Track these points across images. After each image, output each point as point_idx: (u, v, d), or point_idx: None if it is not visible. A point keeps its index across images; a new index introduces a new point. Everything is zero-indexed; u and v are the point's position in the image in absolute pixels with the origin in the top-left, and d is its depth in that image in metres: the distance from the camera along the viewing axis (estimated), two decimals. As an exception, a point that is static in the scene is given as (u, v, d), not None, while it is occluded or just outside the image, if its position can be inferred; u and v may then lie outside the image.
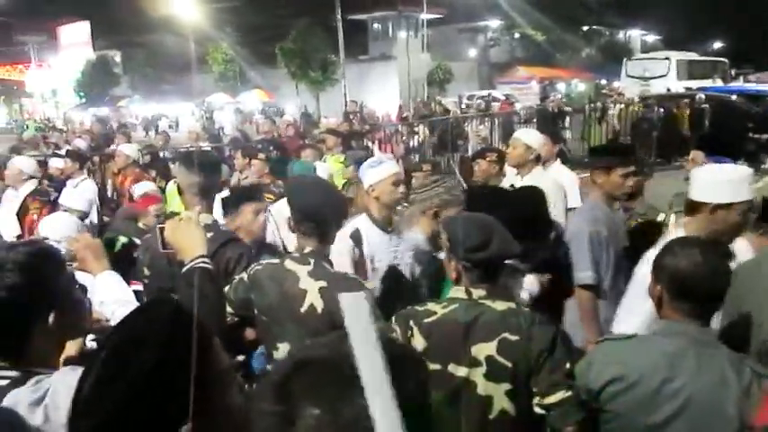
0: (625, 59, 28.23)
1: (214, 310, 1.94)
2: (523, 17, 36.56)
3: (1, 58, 45.17)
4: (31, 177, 5.88)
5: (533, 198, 3.48)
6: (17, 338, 1.53)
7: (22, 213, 5.54)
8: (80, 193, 5.61)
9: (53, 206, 5.33)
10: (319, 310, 2.38)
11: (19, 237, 4.99)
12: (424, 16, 33.95)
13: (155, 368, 1.05)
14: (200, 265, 2.02)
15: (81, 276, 2.23)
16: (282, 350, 2.46)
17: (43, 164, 7.59)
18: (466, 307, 2.17)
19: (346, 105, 30.03)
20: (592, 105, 15.20)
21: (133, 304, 2.16)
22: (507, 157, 4.83)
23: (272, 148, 8.77)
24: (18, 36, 46.20)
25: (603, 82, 33.55)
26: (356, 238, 3.09)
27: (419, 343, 2.17)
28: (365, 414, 0.68)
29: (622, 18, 43.41)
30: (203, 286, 1.91)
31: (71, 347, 1.77)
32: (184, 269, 2.04)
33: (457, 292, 2.25)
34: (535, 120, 14.53)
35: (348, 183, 5.94)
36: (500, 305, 2.17)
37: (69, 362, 1.66)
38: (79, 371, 1.41)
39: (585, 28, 41.33)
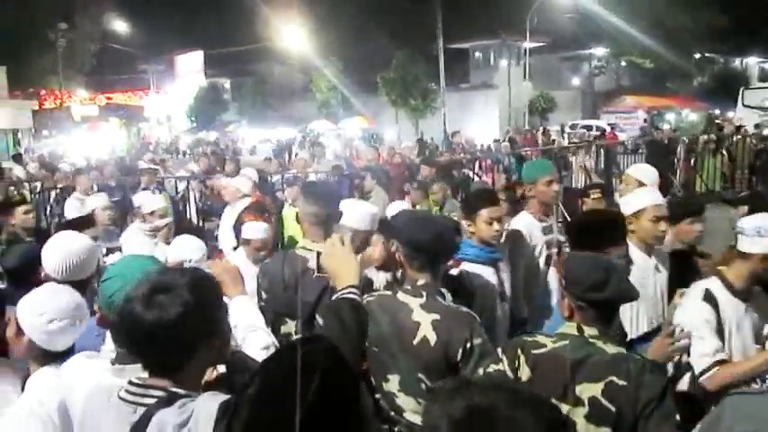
0: (742, 88, 26.81)
1: (354, 345, 1.91)
2: (630, 45, 35.47)
3: (124, 85, 48.56)
4: (245, 195, 6.28)
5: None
6: (180, 359, 1.59)
7: (236, 228, 5.89)
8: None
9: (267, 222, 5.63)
10: (432, 342, 2.39)
11: (235, 248, 5.28)
12: (527, 45, 33.59)
13: (309, 407, 1.03)
14: (348, 296, 2.00)
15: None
16: (393, 381, 2.47)
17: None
18: (576, 344, 2.14)
19: (445, 133, 30.16)
20: (705, 137, 14.44)
21: (263, 330, 2.18)
22: (620, 192, 4.78)
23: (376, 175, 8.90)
24: (140, 65, 49.52)
25: (717, 112, 31.91)
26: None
27: (524, 374, 2.17)
28: None
29: (738, 45, 41.25)
30: (347, 319, 1.91)
31: (208, 372, 1.81)
32: (333, 297, 2.04)
33: (569, 328, 2.21)
34: (642, 151, 13.98)
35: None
36: (611, 348, 2.12)
37: (208, 387, 1.70)
38: (220, 397, 1.46)
39: (698, 55, 39.54)
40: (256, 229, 4.43)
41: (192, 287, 1.58)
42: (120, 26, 44.76)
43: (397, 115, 35.66)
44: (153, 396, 1.58)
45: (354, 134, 31.87)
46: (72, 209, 7.06)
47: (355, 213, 3.14)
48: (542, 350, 2.17)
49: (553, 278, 3.72)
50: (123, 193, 8.72)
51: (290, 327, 2.88)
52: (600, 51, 40.42)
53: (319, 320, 2.92)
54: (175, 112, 45.40)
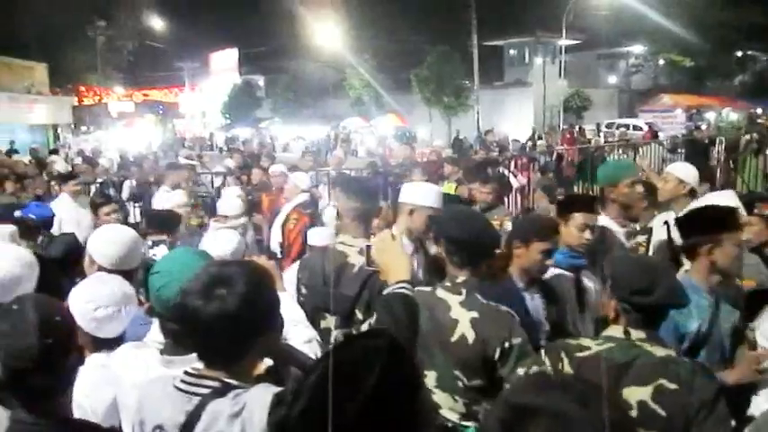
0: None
1: (406, 339, 1.89)
2: (669, 42, 34.81)
3: (160, 82, 49.30)
4: (303, 191, 6.28)
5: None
6: (237, 351, 1.61)
7: (284, 223, 5.96)
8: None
9: (311, 218, 5.70)
10: (470, 340, 2.39)
11: (280, 244, 5.31)
12: (562, 42, 33.25)
13: (369, 400, 1.02)
14: (401, 291, 1.99)
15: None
16: (430, 378, 2.46)
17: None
18: (622, 347, 2.10)
19: (479, 131, 29.98)
20: (747, 136, 14.09)
21: (304, 325, 2.19)
22: (659, 191, 4.64)
23: (409, 173, 8.88)
24: (176, 62, 50.22)
25: (758, 111, 31.14)
26: None
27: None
28: None
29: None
30: (400, 314, 1.90)
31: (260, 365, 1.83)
32: (386, 291, 2.03)
33: (614, 330, 2.17)
34: (681, 150, 13.70)
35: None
36: (659, 350, 2.08)
37: (257, 379, 1.72)
38: (273, 388, 1.47)
39: (739, 53, 38.64)
40: (322, 236, 4.31)
41: (251, 280, 1.59)
42: (157, 24, 45.51)
43: (430, 113, 35.57)
44: (207, 386, 1.60)
45: (387, 132, 31.85)
46: (160, 203, 6.92)
47: (419, 189, 3.14)
48: (586, 353, 2.14)
49: None
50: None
51: (329, 321, 2.90)
52: (637, 49, 39.76)
53: (359, 315, 2.93)
54: (210, 109, 45.89)
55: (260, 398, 1.51)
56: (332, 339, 2.83)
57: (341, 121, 38.26)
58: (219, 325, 1.54)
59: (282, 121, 42.04)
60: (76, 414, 2.00)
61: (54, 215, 4.88)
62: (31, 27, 31.14)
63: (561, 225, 3.25)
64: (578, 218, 3.27)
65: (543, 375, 2.10)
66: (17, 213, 5.23)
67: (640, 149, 12.87)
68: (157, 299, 1.98)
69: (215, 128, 42.99)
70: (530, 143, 16.87)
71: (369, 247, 2.27)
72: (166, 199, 6.21)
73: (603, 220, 3.72)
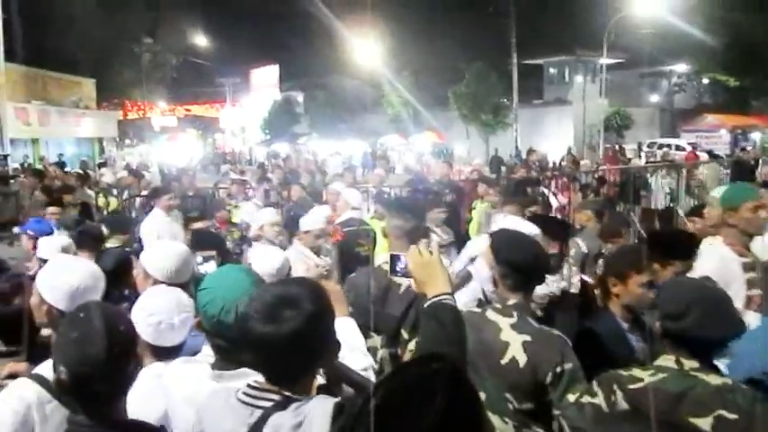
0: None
1: (455, 348, 1.85)
2: (713, 61, 34.21)
3: (202, 97, 50.31)
4: (354, 208, 6.30)
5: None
6: (298, 370, 1.65)
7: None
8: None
9: (349, 235, 5.70)
10: (521, 363, 2.38)
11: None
12: (603, 61, 32.90)
13: (438, 421, 1.03)
14: (445, 301, 1.93)
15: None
16: None
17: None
18: (675, 377, 2.05)
19: (517, 149, 29.82)
20: (797, 158, 13.75)
21: (362, 352, 2.19)
22: (705, 216, 4.52)
23: (447, 191, 8.87)
24: (217, 78, 51.21)
25: (808, 132, 30.37)
26: None
27: (622, 408, 2.10)
28: None
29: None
30: (447, 322, 1.85)
31: None
32: (428, 303, 1.94)
33: (666, 360, 2.13)
34: (727, 171, 13.42)
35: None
36: (715, 379, 2.02)
37: (320, 391, 1.76)
38: (332, 399, 1.50)
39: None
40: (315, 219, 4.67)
41: (314, 301, 1.62)
42: (200, 40, 46.48)
43: (467, 130, 35.52)
44: (269, 399, 1.63)
45: (425, 149, 31.87)
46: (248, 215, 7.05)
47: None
48: (639, 384, 2.09)
49: (754, 323, 2.96)
50: (203, 202, 8.99)
51: (375, 340, 2.91)
52: (681, 68, 39.17)
53: (404, 335, 2.93)
54: (249, 124, 46.54)
55: (321, 408, 1.54)
56: (377, 359, 2.84)
57: (378, 137, 38.42)
58: (283, 346, 1.57)
59: (320, 136, 42.40)
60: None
61: (53, 231, 5.10)
62: (80, 44, 32.07)
63: (658, 266, 3.14)
64: (678, 266, 3.16)
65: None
66: (16, 230, 5.42)
67: (701, 168, 12.53)
68: (204, 314, 2.03)
69: (254, 143, 43.56)
70: (586, 162, 16.63)
71: (394, 256, 2.23)
72: (258, 217, 6.28)
73: (718, 247, 3.39)
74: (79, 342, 1.70)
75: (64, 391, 1.72)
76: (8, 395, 2.09)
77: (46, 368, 2.14)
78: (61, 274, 2.42)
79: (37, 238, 4.82)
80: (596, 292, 3.37)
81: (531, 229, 3.18)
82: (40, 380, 2.09)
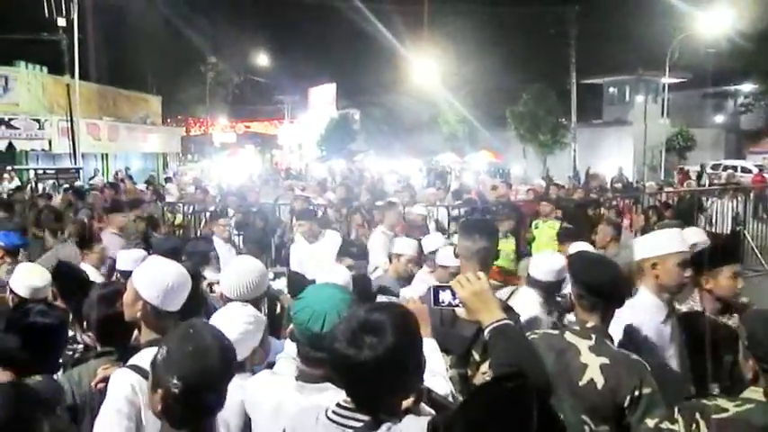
0: None
1: (537, 369, 1.90)
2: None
3: (261, 114, 51.43)
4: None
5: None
6: (383, 394, 1.67)
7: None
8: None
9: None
10: (599, 386, 2.39)
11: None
12: (666, 80, 32.16)
13: None
14: (509, 322, 2.01)
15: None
16: None
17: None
18: (763, 410, 2.00)
19: (575, 170, 29.39)
20: None
21: (443, 377, 2.23)
22: None
23: (507, 210, 8.82)
24: (276, 95, 52.29)
25: None
26: None
27: None
28: None
29: None
30: (523, 344, 1.91)
31: None
32: (489, 329, 2.04)
33: (753, 392, 2.08)
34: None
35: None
36: None
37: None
38: (425, 419, 1.53)
39: None
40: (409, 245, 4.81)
41: (398, 327, 1.65)
42: (261, 59, 47.65)
43: (524, 150, 35.20)
44: (360, 419, 1.68)
45: (481, 168, 31.71)
46: (378, 243, 6.63)
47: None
48: (724, 414, 2.05)
49: None
50: (265, 218, 9.15)
51: (445, 361, 2.92)
52: (747, 88, 37.94)
53: (475, 356, 2.95)
54: (306, 141, 47.23)
55: (415, 427, 1.57)
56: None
57: (433, 155, 38.41)
58: (367, 372, 1.61)
59: (375, 153, 42.64)
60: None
61: (23, 243, 5.53)
62: (148, 62, 33.33)
63: (709, 280, 3.17)
64: (727, 270, 3.18)
65: None
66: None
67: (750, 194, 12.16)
68: (295, 320, 2.13)
69: (311, 159, 44.14)
70: (651, 183, 16.28)
71: (438, 287, 2.26)
72: (381, 242, 6.52)
73: None
74: (193, 355, 1.79)
75: (172, 403, 1.78)
76: (118, 377, 2.28)
77: (139, 360, 2.30)
78: (157, 273, 2.56)
79: (6, 250, 5.21)
80: None
81: None
82: (140, 370, 2.24)
